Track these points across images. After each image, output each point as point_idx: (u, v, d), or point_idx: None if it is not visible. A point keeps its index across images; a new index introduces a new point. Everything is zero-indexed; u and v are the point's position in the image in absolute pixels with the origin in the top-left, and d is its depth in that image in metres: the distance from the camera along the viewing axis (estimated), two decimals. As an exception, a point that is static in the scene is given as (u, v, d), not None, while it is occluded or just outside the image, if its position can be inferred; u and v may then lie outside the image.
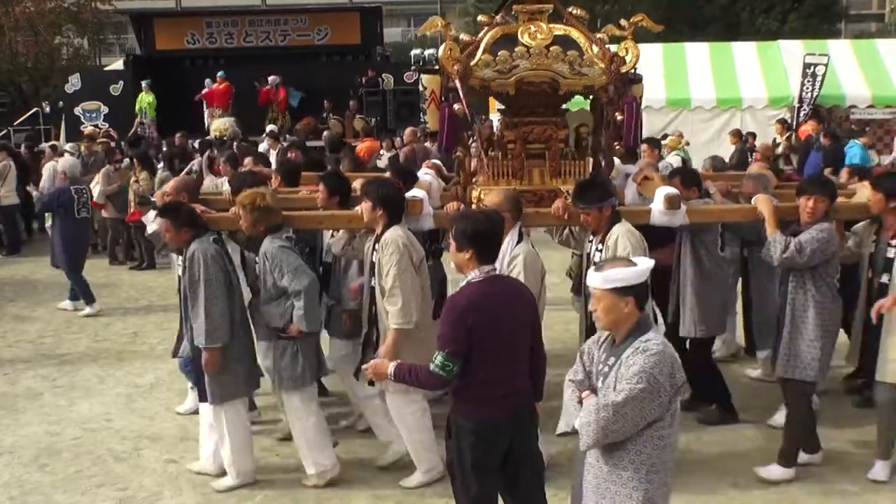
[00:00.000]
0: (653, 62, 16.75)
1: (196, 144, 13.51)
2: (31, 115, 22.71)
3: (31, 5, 26.09)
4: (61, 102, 19.97)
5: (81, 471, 5.11)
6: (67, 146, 15.59)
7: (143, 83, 17.39)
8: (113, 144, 13.96)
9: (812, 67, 15.33)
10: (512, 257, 4.58)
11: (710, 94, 16.03)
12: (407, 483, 4.77)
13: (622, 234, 4.58)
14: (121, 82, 18.40)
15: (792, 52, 16.49)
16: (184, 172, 9.82)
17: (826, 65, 15.53)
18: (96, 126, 16.86)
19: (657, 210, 4.92)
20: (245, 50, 19.08)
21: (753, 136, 14.53)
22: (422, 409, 4.74)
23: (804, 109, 15.17)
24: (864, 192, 5.14)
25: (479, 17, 5.30)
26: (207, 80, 17.15)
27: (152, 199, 6.01)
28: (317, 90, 17.65)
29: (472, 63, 4.91)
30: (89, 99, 18.33)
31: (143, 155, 11.64)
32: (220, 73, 17.34)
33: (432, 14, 31.48)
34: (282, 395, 4.88)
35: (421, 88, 5.54)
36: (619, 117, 5.06)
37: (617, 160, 5.68)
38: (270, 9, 21.88)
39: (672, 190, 4.96)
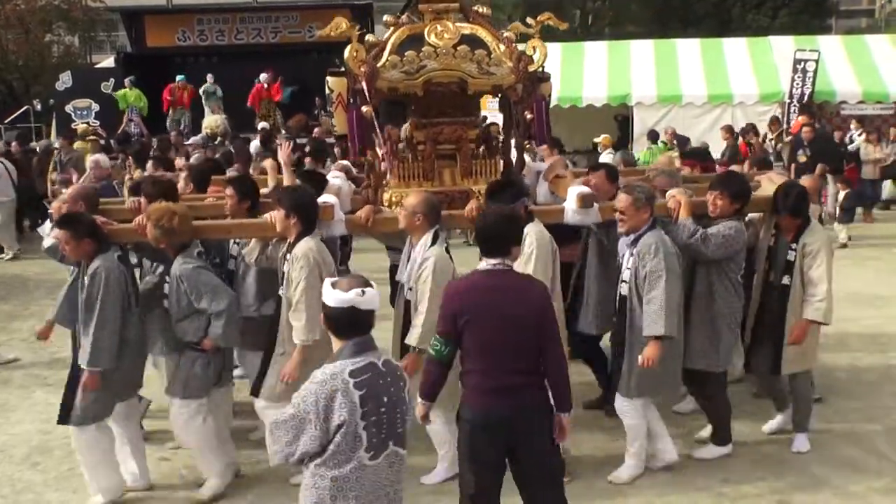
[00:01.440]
0: (644, 59, 17.00)
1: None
2: (22, 112, 22.74)
3: (21, 3, 26.19)
4: (52, 100, 19.99)
5: (73, 468, 4.97)
6: (41, 144, 15.91)
7: (127, 80, 17.36)
8: (102, 142, 13.90)
9: (803, 63, 15.34)
10: (423, 260, 4.56)
11: (701, 90, 16.01)
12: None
13: (530, 234, 4.54)
14: (112, 80, 18.34)
15: (782, 48, 16.53)
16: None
17: (817, 61, 15.52)
18: (87, 123, 16.69)
19: (570, 209, 4.88)
20: (236, 47, 19.08)
21: (755, 130, 14.28)
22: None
23: (795, 105, 15.16)
24: (768, 186, 5.17)
25: (385, 17, 5.20)
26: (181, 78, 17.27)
27: None
28: (308, 87, 17.59)
29: (379, 65, 4.85)
30: (80, 97, 18.32)
31: (137, 153, 11.30)
32: (179, 77, 17.37)
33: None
34: (174, 402, 4.70)
35: (328, 91, 5.47)
36: (528, 116, 5.08)
37: (528, 158, 5.69)
38: (262, 6, 21.81)
39: (585, 189, 4.94)
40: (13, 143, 15.24)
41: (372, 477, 2.83)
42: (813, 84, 15.37)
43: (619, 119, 17.07)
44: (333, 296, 2.82)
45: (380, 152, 5.16)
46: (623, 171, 6.55)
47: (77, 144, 13.63)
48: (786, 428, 5.27)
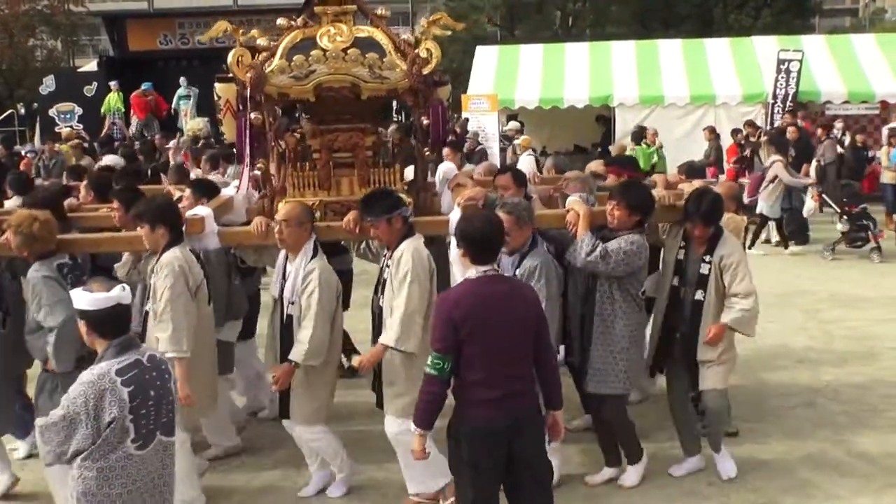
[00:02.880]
0: (626, 60, 16.81)
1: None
2: (6, 116, 22.90)
3: (4, 7, 26.69)
4: (36, 104, 20.47)
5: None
6: (27, 148, 15.88)
7: (112, 84, 17.57)
8: (86, 146, 13.94)
9: (786, 63, 15.14)
10: (307, 272, 4.43)
11: (683, 91, 15.82)
12: None
13: (407, 251, 4.37)
14: (94, 83, 18.58)
15: (765, 48, 16.31)
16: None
17: (801, 60, 15.29)
18: (71, 127, 16.95)
19: (454, 218, 4.67)
20: (217, 50, 19.26)
21: (755, 126, 14.08)
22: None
23: (779, 106, 14.96)
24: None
25: (279, 21, 5.04)
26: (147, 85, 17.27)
27: None
28: None
29: (268, 70, 4.69)
30: (63, 100, 18.69)
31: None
32: (144, 85, 17.30)
33: (404, 14, 31.53)
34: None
35: (216, 98, 5.28)
36: (425, 121, 4.89)
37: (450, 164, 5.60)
38: (243, 9, 22.08)
39: (474, 192, 4.82)
40: (-2, 147, 16.04)
41: (139, 466, 3.00)
42: (797, 84, 15.14)
43: (601, 120, 16.90)
44: (93, 298, 2.95)
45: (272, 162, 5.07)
46: (545, 177, 6.45)
47: (61, 147, 13.81)
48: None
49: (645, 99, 15.74)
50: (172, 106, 17.73)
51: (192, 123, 16.18)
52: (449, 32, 5.08)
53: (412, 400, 3.91)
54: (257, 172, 5.48)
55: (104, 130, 17.17)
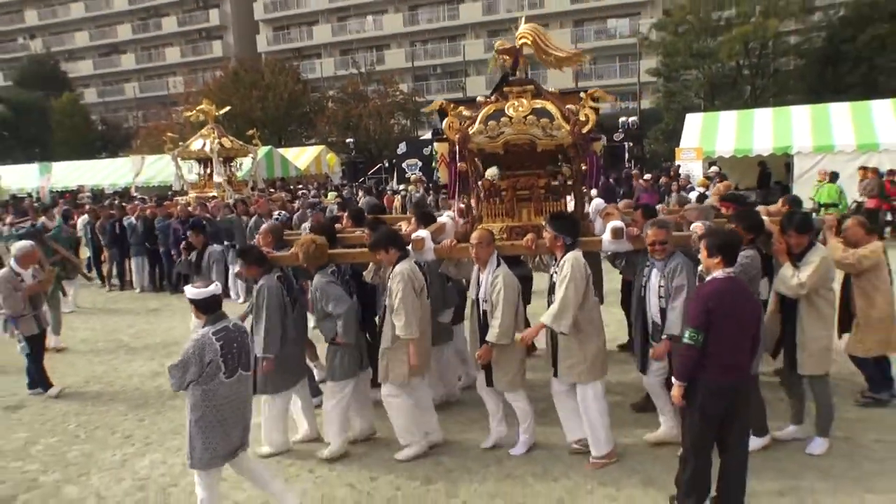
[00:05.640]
0: (803, 118, 18.28)
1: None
2: (377, 168, 31.12)
3: (377, 101, 35.79)
4: (394, 160, 26.93)
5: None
6: (390, 187, 21.60)
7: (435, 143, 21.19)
8: (423, 185, 17.88)
9: None
10: (494, 278, 5.18)
11: (850, 140, 16.63)
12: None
13: (568, 260, 4.87)
14: (429, 146, 23.19)
15: None
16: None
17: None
18: (415, 174, 21.80)
19: (606, 239, 5.27)
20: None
21: None
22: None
23: None
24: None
25: (478, 98, 5.86)
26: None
27: None
28: None
29: (471, 132, 5.47)
30: (411, 157, 25.38)
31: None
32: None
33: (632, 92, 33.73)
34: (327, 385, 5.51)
35: (434, 152, 6.85)
36: (583, 167, 5.51)
37: (599, 199, 6.10)
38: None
39: (618, 223, 5.27)
40: (372, 188, 20.20)
41: (226, 389, 4.01)
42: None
43: (761, 164, 18.39)
44: (198, 292, 4.09)
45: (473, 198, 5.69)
46: (671, 209, 6.94)
47: (410, 188, 17.12)
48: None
49: (817, 148, 16.72)
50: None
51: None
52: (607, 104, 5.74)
53: (583, 367, 4.76)
54: (462, 205, 6.28)
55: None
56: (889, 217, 14.35)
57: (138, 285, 13.01)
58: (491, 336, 5.00)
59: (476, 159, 5.75)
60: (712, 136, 18.29)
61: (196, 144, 16.86)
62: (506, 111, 5.56)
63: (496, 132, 5.51)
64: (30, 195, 25.37)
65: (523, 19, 5.80)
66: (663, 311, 4.94)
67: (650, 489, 4.65)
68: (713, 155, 17.77)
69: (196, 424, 3.99)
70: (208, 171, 17.16)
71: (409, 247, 5.38)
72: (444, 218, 6.04)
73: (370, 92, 37.09)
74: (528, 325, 5.34)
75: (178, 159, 17.05)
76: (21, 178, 27.97)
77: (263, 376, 5.28)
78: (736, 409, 4.04)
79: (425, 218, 6.06)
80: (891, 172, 14.36)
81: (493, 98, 5.79)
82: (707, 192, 11.66)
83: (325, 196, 17.55)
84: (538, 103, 5.60)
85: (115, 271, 13.27)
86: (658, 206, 7.38)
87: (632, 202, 7.88)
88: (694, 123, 19.37)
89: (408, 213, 9.98)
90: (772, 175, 18.33)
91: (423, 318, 5.18)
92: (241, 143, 17.40)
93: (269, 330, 5.23)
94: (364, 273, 5.64)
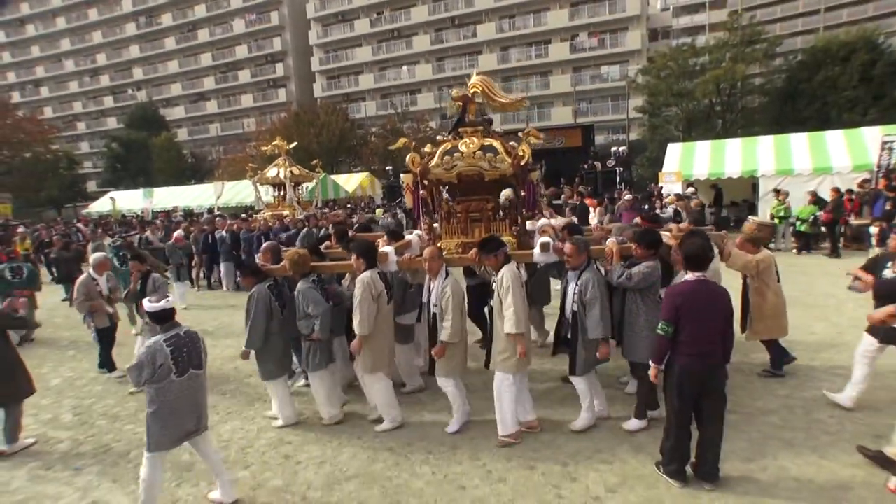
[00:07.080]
0: (767, 147, 17.84)
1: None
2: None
3: (411, 135, 29.95)
4: None
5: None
6: None
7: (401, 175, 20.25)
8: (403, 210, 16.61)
9: (888, 144, 14.85)
10: (443, 287, 5.06)
11: (807, 164, 16.17)
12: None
13: (506, 272, 4.80)
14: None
15: (872, 134, 15.94)
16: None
17: (899, 141, 13.58)
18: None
19: (536, 252, 5.20)
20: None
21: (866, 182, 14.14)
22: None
23: (882, 173, 14.77)
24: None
25: (438, 137, 5.68)
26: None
27: None
28: (557, 172, 20.07)
29: (431, 165, 5.49)
30: None
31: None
32: None
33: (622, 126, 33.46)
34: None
35: (401, 182, 6.80)
36: (522, 193, 5.43)
37: (544, 219, 6.01)
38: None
39: (546, 239, 5.22)
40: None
41: (178, 386, 3.94)
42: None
43: (714, 187, 18.33)
44: (154, 305, 4.02)
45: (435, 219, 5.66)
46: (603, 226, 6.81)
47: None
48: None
49: (779, 171, 16.36)
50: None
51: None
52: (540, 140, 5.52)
53: (511, 360, 4.58)
54: (426, 225, 6.07)
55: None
56: (842, 229, 14.16)
57: (227, 286, 12.92)
58: (444, 336, 4.93)
59: (435, 188, 5.73)
60: (690, 162, 18.40)
61: (271, 172, 17.10)
62: (459, 147, 5.56)
63: (451, 165, 5.51)
64: (137, 215, 26.19)
65: (475, 73, 5.78)
66: (574, 314, 4.83)
67: (640, 454, 4.66)
68: (691, 178, 17.84)
69: (152, 415, 3.94)
70: (281, 193, 17.40)
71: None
72: (412, 236, 6.04)
73: (405, 128, 37.23)
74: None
75: (257, 184, 17.40)
76: (130, 200, 28.98)
77: (259, 367, 5.40)
78: (709, 389, 4.03)
79: (394, 235, 6.06)
80: (849, 192, 14.37)
81: (449, 136, 5.79)
82: (679, 208, 11.61)
83: (375, 212, 17.78)
84: (487, 141, 5.59)
85: (202, 274, 13.29)
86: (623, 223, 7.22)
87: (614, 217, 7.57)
88: (674, 152, 19.37)
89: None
90: (724, 195, 18.48)
91: (384, 317, 5.17)
92: (307, 170, 17.61)
93: (253, 329, 5.21)
94: (342, 283, 5.71)
